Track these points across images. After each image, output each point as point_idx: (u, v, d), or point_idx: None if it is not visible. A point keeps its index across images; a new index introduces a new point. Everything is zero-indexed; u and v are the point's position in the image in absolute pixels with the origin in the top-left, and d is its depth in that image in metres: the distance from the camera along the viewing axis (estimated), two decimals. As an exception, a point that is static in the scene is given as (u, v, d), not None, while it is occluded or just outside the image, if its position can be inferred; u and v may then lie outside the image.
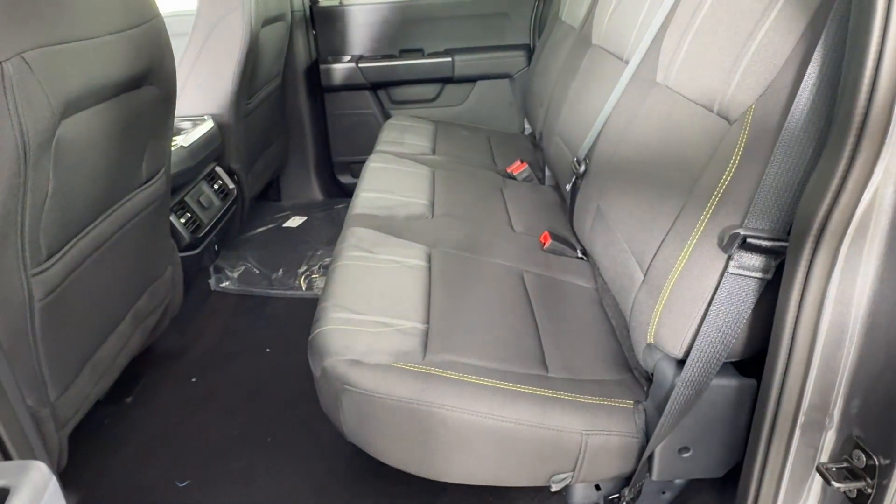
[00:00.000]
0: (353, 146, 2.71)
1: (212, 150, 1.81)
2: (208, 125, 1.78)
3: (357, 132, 2.69)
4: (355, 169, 2.78)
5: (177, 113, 1.88)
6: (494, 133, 2.46)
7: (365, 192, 1.70)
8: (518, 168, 2.02)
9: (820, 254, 0.65)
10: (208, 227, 1.74)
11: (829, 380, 0.69)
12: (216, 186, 1.87)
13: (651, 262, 0.99)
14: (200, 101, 1.87)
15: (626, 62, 1.40)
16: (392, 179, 1.81)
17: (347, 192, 2.84)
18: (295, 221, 2.53)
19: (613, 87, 1.41)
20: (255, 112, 2.14)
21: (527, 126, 2.59)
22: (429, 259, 1.33)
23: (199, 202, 1.73)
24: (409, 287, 1.21)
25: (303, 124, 2.64)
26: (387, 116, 2.67)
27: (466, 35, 2.59)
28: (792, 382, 0.72)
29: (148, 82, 1.18)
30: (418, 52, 2.60)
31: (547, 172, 2.02)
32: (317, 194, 2.77)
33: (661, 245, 0.97)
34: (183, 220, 1.62)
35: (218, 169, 1.92)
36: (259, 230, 2.45)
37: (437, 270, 1.29)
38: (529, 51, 2.60)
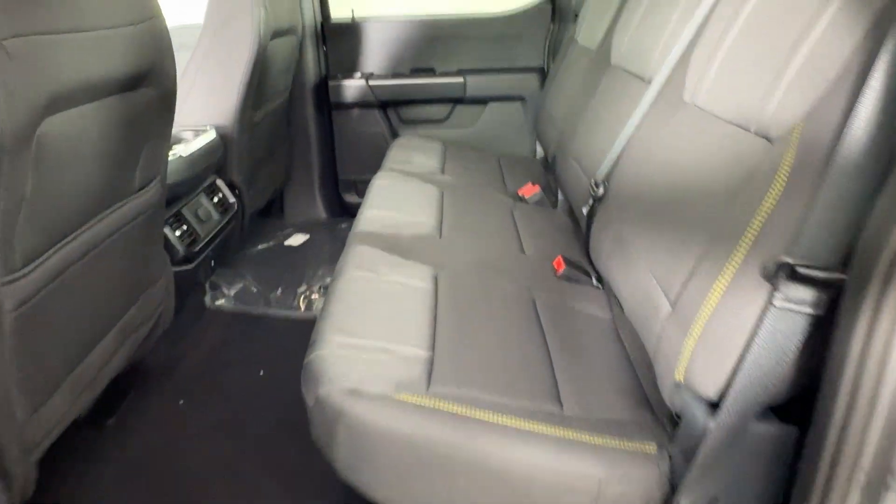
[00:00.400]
0: (359, 165, 2.65)
1: (213, 161, 1.74)
2: (210, 136, 1.72)
3: (364, 151, 2.64)
4: (361, 188, 2.72)
5: (179, 122, 1.84)
6: (505, 155, 2.40)
7: (370, 209, 1.63)
8: (530, 191, 1.95)
9: (891, 289, 0.57)
10: (205, 242, 1.67)
11: (895, 432, 0.60)
12: (216, 199, 1.80)
13: (680, 291, 0.90)
14: (204, 111, 1.81)
15: (649, 82, 1.33)
16: (399, 198, 1.74)
17: (352, 212, 2.76)
18: (297, 239, 2.45)
19: (634, 108, 1.34)
20: (261, 125, 2.08)
21: (539, 150, 2.53)
22: (435, 281, 1.25)
23: (196, 215, 1.66)
24: (414, 310, 1.13)
25: (309, 140, 2.59)
26: (395, 136, 2.62)
27: (479, 56, 2.55)
28: (849, 434, 0.63)
29: (146, 84, 1.11)
30: (430, 72, 2.56)
31: (560, 196, 1.94)
32: (320, 212, 2.70)
33: (692, 273, 0.88)
34: (178, 233, 1.55)
35: (219, 181, 1.85)
36: (259, 247, 2.38)
37: (444, 294, 1.21)
38: (543, 73, 2.55)
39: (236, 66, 1.79)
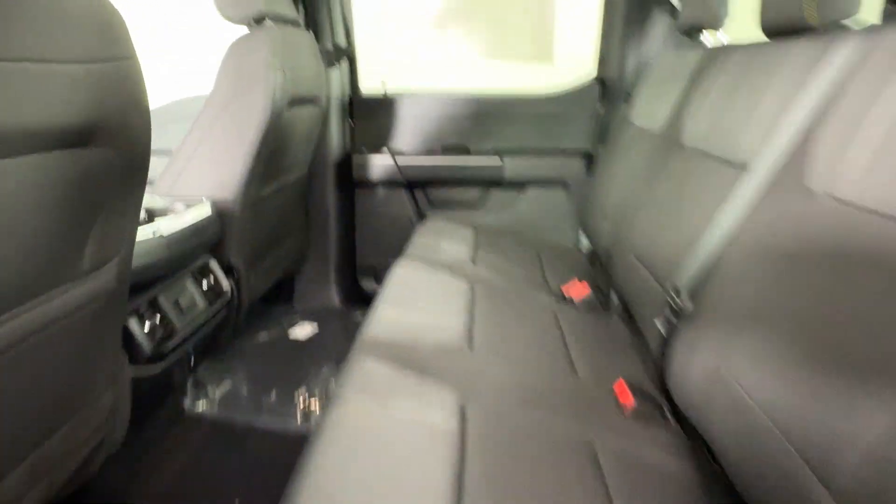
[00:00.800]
0: (381, 249, 2.39)
1: (205, 240, 1.48)
2: (203, 210, 1.47)
3: (387, 234, 2.38)
4: (381, 275, 2.44)
5: (174, 193, 1.59)
6: (545, 246, 2.10)
7: (386, 304, 1.33)
8: (578, 290, 1.63)
9: None
10: (183, 337, 1.37)
11: None
12: (206, 285, 1.52)
13: (853, 471, 0.56)
14: (202, 182, 1.57)
15: (743, 167, 1.05)
16: (421, 291, 1.44)
17: (369, 300, 2.47)
18: (304, 330, 2.15)
19: (725, 198, 1.04)
20: (271, 201, 1.83)
21: (583, 241, 2.24)
22: (462, 417, 0.93)
23: (176, 304, 1.38)
24: (431, 468, 0.80)
25: (327, 219, 2.34)
26: (422, 218, 2.36)
27: (519, 136, 2.31)
28: None
29: (102, 142, 0.86)
30: (464, 151, 2.32)
31: (614, 298, 1.62)
32: (334, 300, 2.41)
33: (872, 444, 0.55)
34: (147, 327, 1.26)
35: (212, 263, 1.58)
36: (259, 338, 2.08)
37: (474, 440, 0.88)
38: (589, 157, 2.30)
39: (244, 133, 1.56)
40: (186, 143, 1.57)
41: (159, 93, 2.53)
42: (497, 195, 2.36)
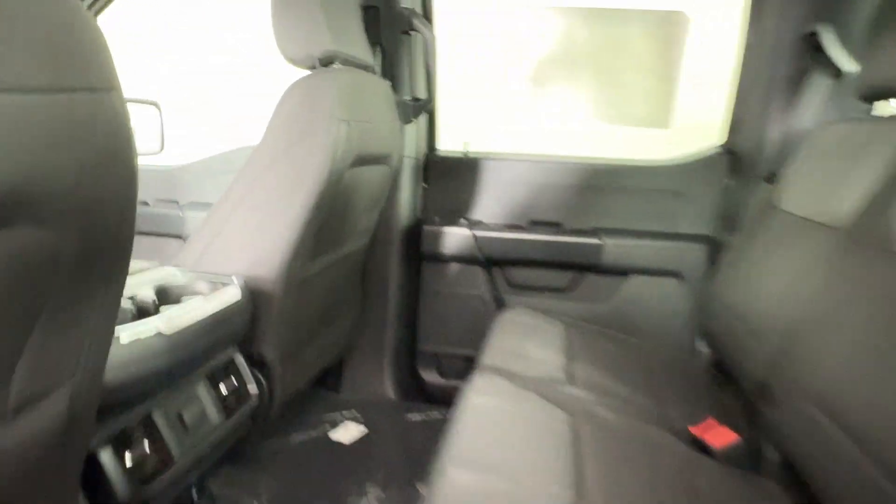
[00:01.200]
0: (447, 335, 2.01)
1: (227, 332, 1.15)
2: (231, 295, 1.13)
3: (457, 317, 2.00)
4: (445, 365, 2.05)
5: (201, 267, 1.28)
6: (654, 354, 1.67)
7: (455, 466, 0.93)
8: (717, 436, 1.19)
9: None
10: (184, 469, 1.02)
11: None
12: (226, 388, 1.17)
13: None
14: (235, 255, 1.26)
15: None
16: (505, 434, 1.04)
17: (429, 396, 2.10)
18: (348, 431, 1.77)
19: None
20: (321, 277, 1.50)
21: (702, 347, 1.78)
22: None
23: (178, 420, 1.03)
24: None
25: (386, 296, 1.99)
26: (500, 302, 1.98)
27: (623, 212, 1.92)
28: None
29: (32, 219, 0.53)
30: (555, 227, 1.95)
31: (771, 454, 1.16)
32: (388, 391, 2.03)
33: None
34: (129, 459, 0.91)
35: (237, 358, 1.24)
36: (291, 439, 1.71)
37: None
38: (712, 244, 1.87)
39: (293, 196, 1.25)
40: (221, 206, 1.27)
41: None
42: (593, 282, 1.95)
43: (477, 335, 1.99)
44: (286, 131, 1.25)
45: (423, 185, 2.01)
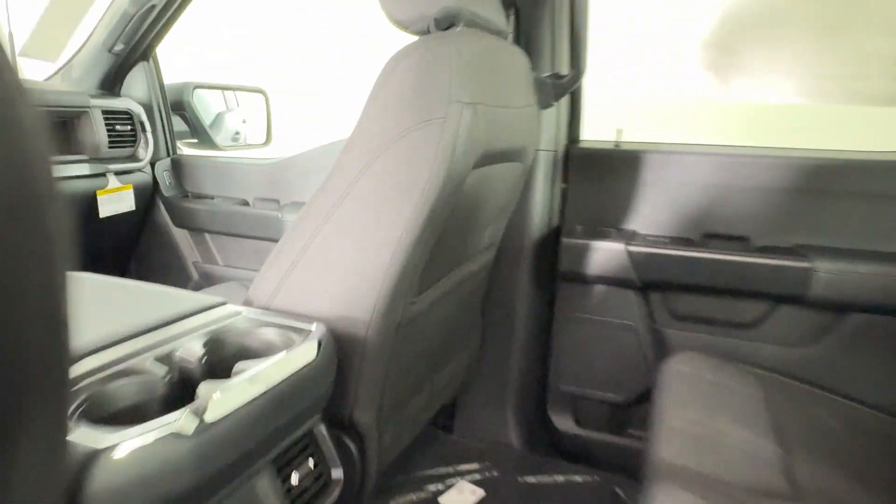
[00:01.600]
0: (588, 373, 1.60)
1: (299, 407, 0.82)
2: (306, 353, 0.80)
3: (600, 352, 1.59)
4: (584, 411, 1.64)
5: (273, 306, 0.97)
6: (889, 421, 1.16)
7: None
8: None
9: None
10: None
11: None
12: (298, 477, 0.85)
13: None
14: (317, 292, 0.93)
15: None
16: None
17: (562, 448, 1.68)
18: (462, 496, 1.42)
19: None
20: (433, 311, 1.15)
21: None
22: None
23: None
24: None
25: (512, 324, 1.61)
26: (658, 337, 1.53)
27: (842, 226, 1.40)
28: None
29: None
30: (739, 243, 1.46)
31: None
32: (511, 438, 1.65)
33: None
34: None
35: (318, 431, 0.92)
36: (394, 501, 1.38)
37: None
38: None
39: (396, 209, 0.90)
40: (302, 225, 0.95)
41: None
42: (793, 317, 1.44)
43: (626, 377, 1.56)
44: (386, 121, 0.90)
45: (563, 184, 1.60)
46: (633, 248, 1.49)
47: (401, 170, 0.90)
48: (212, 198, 2.01)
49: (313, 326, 0.85)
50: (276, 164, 1.96)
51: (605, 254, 1.51)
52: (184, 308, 0.84)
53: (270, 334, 0.84)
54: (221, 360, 0.80)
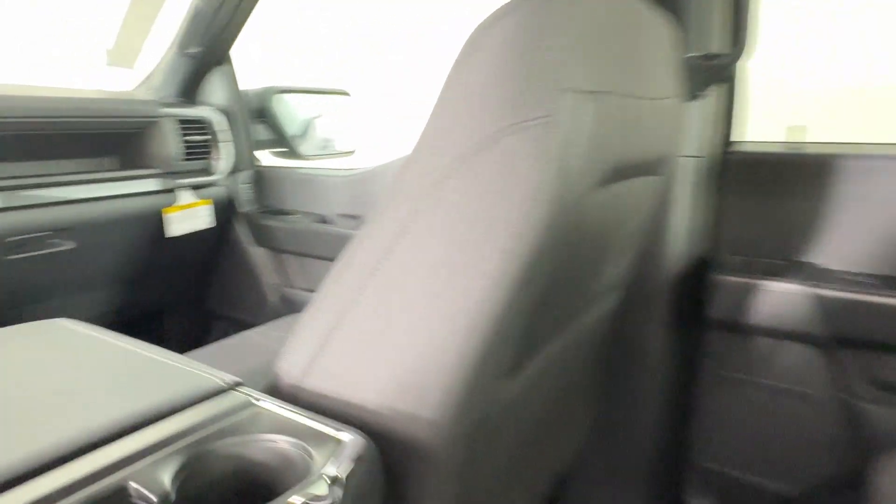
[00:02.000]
0: (742, 451, 1.20)
1: None
2: (321, 489, 0.52)
3: (761, 425, 1.18)
4: (732, 498, 1.24)
5: (307, 386, 0.69)
6: None
7: None
8: None
9: None
10: None
11: None
12: None
13: None
14: (363, 372, 0.64)
15: None
16: None
17: None
18: None
19: None
20: (531, 395, 0.82)
21: None
22: None
23: None
24: None
25: (641, 384, 1.24)
26: (851, 412, 1.10)
27: None
28: None
29: None
30: None
31: None
32: (637, 526, 1.29)
33: None
34: None
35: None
36: None
37: None
38: None
39: (483, 247, 0.59)
40: (346, 271, 0.67)
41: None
42: None
43: (801, 462, 1.15)
44: (463, 124, 0.59)
45: (714, 202, 1.22)
46: (820, 292, 1.07)
47: (485, 196, 0.58)
48: (291, 213, 1.81)
49: (349, 441, 0.56)
50: (360, 176, 1.72)
51: (775, 297, 1.11)
52: (167, 398, 0.58)
53: (280, 446, 0.56)
54: (206, 486, 0.53)
